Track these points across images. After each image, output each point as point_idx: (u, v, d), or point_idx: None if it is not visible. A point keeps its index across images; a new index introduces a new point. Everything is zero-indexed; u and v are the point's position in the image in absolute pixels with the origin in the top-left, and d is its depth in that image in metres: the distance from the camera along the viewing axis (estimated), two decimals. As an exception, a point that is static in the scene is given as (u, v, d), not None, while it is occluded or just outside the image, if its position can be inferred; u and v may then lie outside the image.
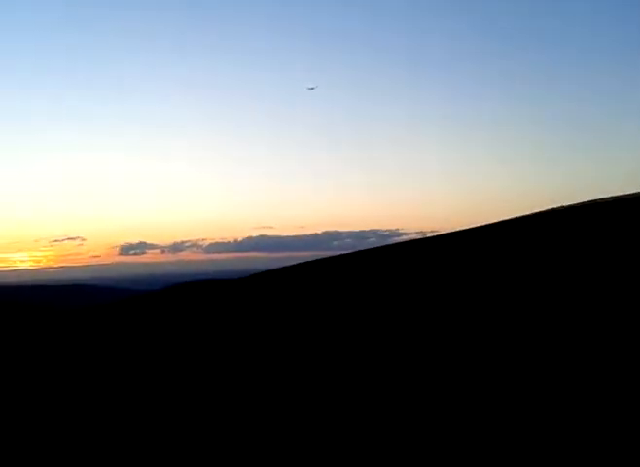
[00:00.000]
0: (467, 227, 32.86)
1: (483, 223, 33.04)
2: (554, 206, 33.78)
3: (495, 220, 33.30)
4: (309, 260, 34.91)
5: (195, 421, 7.40)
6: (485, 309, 11.56)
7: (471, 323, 10.61)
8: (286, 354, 10.73)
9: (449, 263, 20.55)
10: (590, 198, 33.20)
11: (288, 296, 21.03)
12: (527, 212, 33.65)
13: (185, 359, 11.96)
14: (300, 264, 33.83)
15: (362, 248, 38.31)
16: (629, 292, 10.43)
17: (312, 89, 70.07)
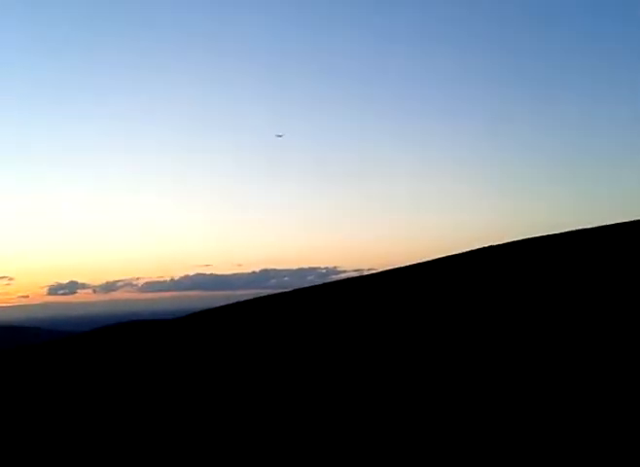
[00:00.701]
0: (404, 264, 33.27)
1: (420, 260, 33.53)
2: (491, 243, 34.71)
3: (432, 257, 33.88)
4: (248, 298, 34.42)
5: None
6: (421, 347, 11.59)
7: (407, 360, 10.58)
8: (222, 398, 10.34)
9: (386, 300, 20.68)
10: (523, 237, 34.36)
11: (226, 335, 20.51)
12: (465, 249, 34.41)
13: (108, 403, 11.32)
14: (238, 302, 33.32)
15: (300, 286, 38.08)
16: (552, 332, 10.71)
17: (280, 136, 71.57)
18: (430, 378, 9.03)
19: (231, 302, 34.29)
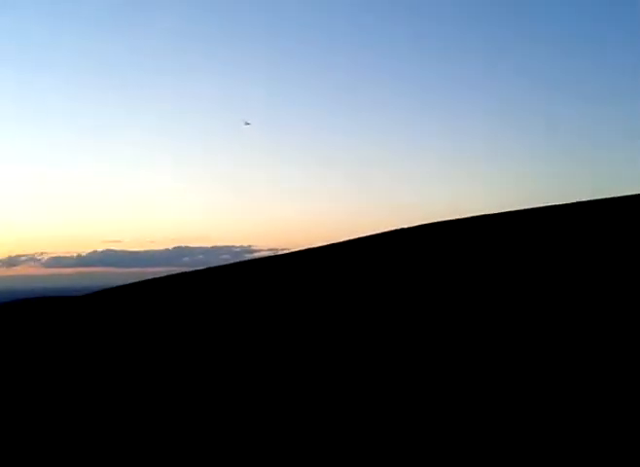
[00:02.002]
0: (319, 245, 33.67)
1: (334, 241, 34.07)
2: (404, 226, 35.74)
3: (345, 239, 34.48)
4: (160, 276, 33.74)
5: None
6: (336, 328, 11.93)
7: (320, 341, 10.88)
8: (130, 377, 10.21)
9: (300, 280, 20.97)
10: (435, 220, 35.58)
11: (135, 314, 20.09)
12: (380, 231, 35.29)
13: (14, 382, 10.90)
14: (149, 280, 32.60)
15: (214, 264, 37.73)
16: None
17: (248, 124, 68.58)
18: (341, 358, 9.35)
19: (142, 279, 33.52)
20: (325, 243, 34.04)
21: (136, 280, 33.26)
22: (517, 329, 9.39)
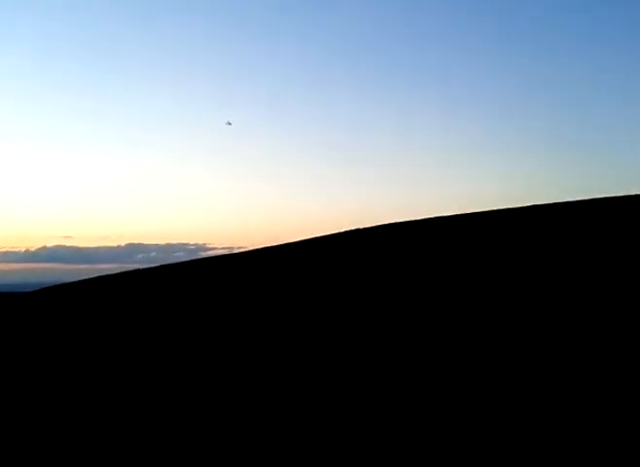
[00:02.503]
0: (275, 244, 33.72)
1: (290, 240, 34.15)
2: (359, 227, 36.15)
3: (301, 238, 34.60)
4: (112, 273, 33.13)
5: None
6: (290, 325, 11.99)
7: (271, 337, 10.93)
8: (79, 374, 10.03)
9: (254, 278, 20.96)
10: (392, 221, 36.08)
11: (84, 311, 19.67)
12: (335, 231, 35.55)
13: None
14: (100, 277, 31.99)
15: (168, 262, 37.29)
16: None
17: (229, 124, 66.43)
18: (295, 355, 9.43)
19: (93, 276, 32.88)
20: (281, 242, 34.12)
21: (87, 277, 32.62)
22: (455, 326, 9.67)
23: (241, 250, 38.61)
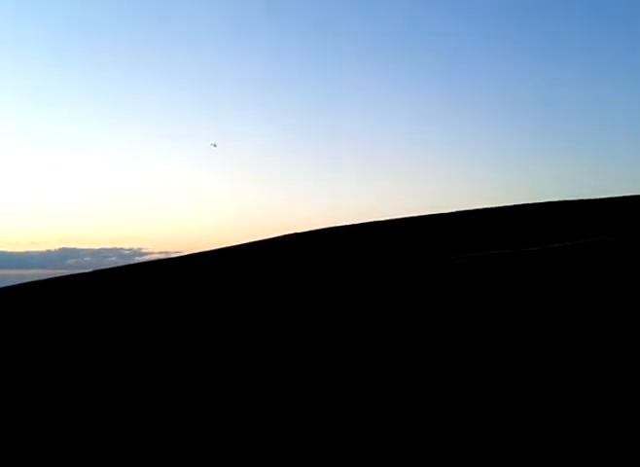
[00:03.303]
0: (211, 248, 33.81)
1: (227, 245, 34.31)
2: (296, 231, 36.79)
3: (238, 243, 34.81)
4: (42, 279, 32.26)
5: None
6: (228, 329, 12.26)
7: (205, 340, 11.17)
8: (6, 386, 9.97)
9: (192, 283, 21.02)
10: (329, 225, 36.85)
11: (12, 318, 19.18)
12: (270, 236, 36.03)
13: None
14: (30, 282, 31.05)
15: (102, 267, 36.62)
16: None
17: (214, 145, 64.54)
18: (224, 358, 9.73)
19: (20, 282, 31.87)
20: (219, 247, 34.19)
21: (12, 284, 31.59)
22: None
23: (178, 255, 38.33)
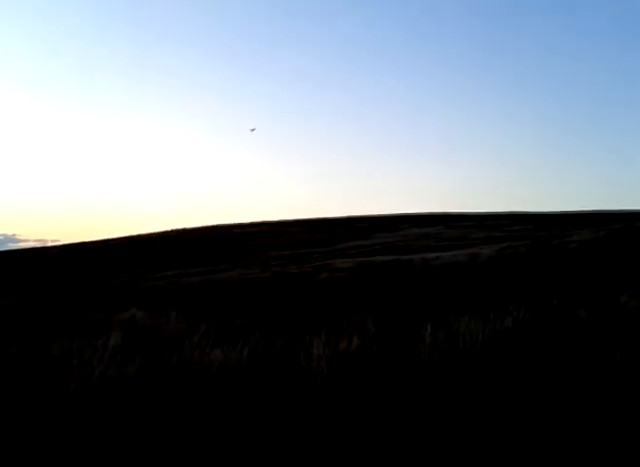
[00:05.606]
0: (90, 239, 33.91)
1: (108, 237, 34.45)
2: (179, 228, 37.46)
3: (118, 235, 35.08)
4: None
5: None
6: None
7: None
8: None
9: (69, 270, 21.51)
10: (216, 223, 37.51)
11: None
12: (151, 231, 36.52)
13: None
14: None
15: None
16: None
17: (253, 130, 59.84)
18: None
19: None
20: (100, 238, 34.24)
21: None
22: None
23: (56, 243, 37.68)
